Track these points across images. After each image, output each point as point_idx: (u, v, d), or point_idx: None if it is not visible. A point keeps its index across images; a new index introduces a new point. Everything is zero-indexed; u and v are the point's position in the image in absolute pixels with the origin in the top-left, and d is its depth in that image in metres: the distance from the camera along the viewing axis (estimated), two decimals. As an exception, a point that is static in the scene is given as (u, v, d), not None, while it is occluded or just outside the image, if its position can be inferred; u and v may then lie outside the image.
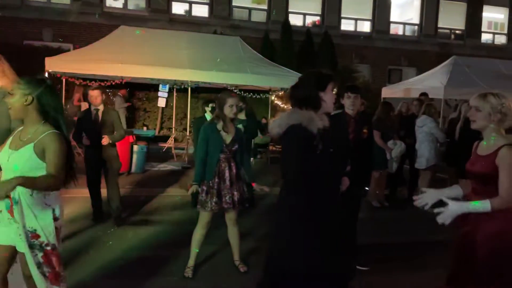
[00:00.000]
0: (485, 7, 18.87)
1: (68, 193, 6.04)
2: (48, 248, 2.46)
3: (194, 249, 3.86)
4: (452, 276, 2.70)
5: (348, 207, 4.27)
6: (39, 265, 2.43)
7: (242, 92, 10.01)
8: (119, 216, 5.31)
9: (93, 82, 9.07)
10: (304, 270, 2.31)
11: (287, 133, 2.31)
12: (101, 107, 5.24)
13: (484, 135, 2.63)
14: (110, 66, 8.80)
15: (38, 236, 2.43)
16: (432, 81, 11.01)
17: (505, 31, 19.47)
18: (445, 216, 2.46)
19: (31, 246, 2.41)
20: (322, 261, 2.31)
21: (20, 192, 2.36)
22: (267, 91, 11.15)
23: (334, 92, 2.41)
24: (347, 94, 4.03)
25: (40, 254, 2.43)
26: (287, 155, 2.39)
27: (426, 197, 2.64)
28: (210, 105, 5.52)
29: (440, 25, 18.45)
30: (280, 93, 12.12)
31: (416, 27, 18.42)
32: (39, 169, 2.40)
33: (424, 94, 8.44)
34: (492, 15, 19.43)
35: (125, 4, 15.31)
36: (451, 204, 2.46)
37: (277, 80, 9.96)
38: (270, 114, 11.50)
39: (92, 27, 13.67)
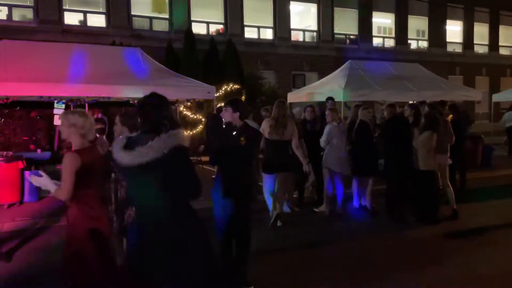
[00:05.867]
0: (374, 13, 20.44)
1: None
2: None
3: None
4: None
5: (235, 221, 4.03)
6: None
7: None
8: None
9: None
10: None
11: None
12: None
13: None
14: (-9, 85, 7.83)
15: None
16: (332, 85, 11.52)
17: (393, 35, 21.26)
18: (37, 180, 2.92)
19: None
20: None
21: None
22: (174, 103, 10.80)
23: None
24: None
25: None
26: None
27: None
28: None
29: (336, 31, 19.57)
30: (188, 104, 11.85)
31: (314, 33, 19.33)
32: None
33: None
34: (381, 21, 21.11)
35: (9, 15, 13.94)
36: (45, 178, 2.93)
37: (182, 90, 9.66)
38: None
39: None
